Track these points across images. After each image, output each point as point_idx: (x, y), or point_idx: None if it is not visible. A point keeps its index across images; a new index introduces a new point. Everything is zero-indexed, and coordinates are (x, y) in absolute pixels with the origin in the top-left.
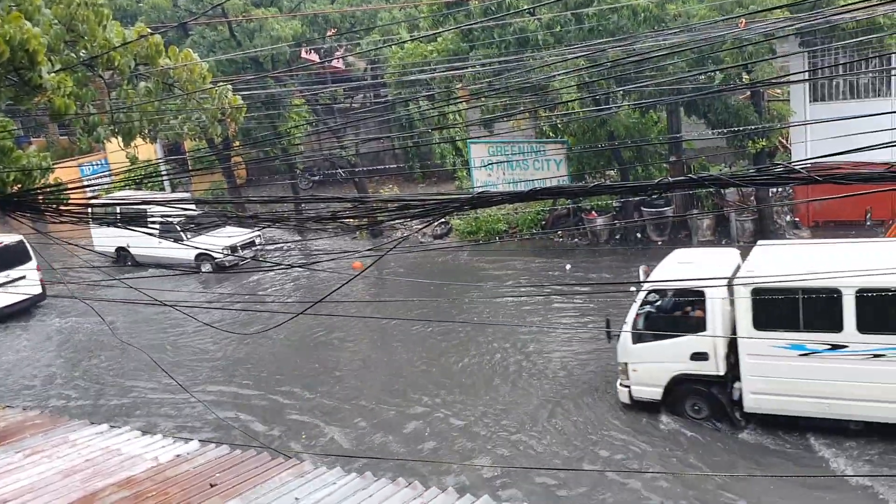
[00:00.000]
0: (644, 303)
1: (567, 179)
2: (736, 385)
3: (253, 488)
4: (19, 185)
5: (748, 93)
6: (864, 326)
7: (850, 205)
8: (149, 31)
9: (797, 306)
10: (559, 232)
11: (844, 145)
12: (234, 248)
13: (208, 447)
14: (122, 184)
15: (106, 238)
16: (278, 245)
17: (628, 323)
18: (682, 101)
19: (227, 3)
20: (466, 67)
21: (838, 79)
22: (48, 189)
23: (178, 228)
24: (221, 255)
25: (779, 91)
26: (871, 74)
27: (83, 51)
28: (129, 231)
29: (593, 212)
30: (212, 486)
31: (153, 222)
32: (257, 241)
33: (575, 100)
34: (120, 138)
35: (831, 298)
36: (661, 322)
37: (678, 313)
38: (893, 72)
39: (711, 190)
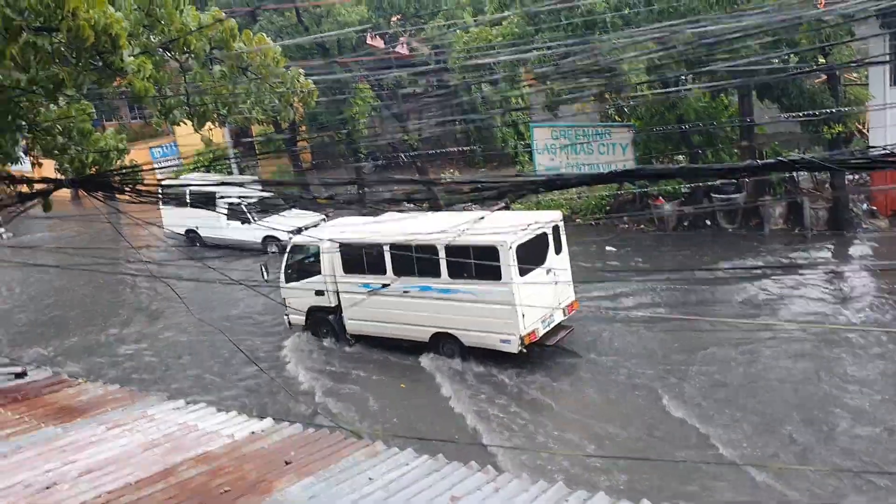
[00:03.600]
0: (290, 253)
1: (634, 163)
2: (342, 314)
3: (327, 467)
4: (97, 167)
5: (824, 76)
6: (397, 271)
7: None
8: (224, 15)
9: (361, 255)
10: (624, 218)
11: None
12: (300, 231)
13: (282, 425)
14: (192, 167)
15: (175, 219)
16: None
17: (282, 269)
18: (755, 85)
19: None
20: (531, 51)
21: None
22: (124, 170)
23: (245, 210)
24: (288, 237)
25: (856, 75)
26: None
27: (160, 35)
28: (198, 213)
29: (660, 198)
30: (287, 463)
31: (222, 205)
32: (323, 223)
33: (644, 82)
34: (195, 121)
35: (380, 252)
36: (300, 268)
37: (308, 261)
38: None
39: (784, 176)
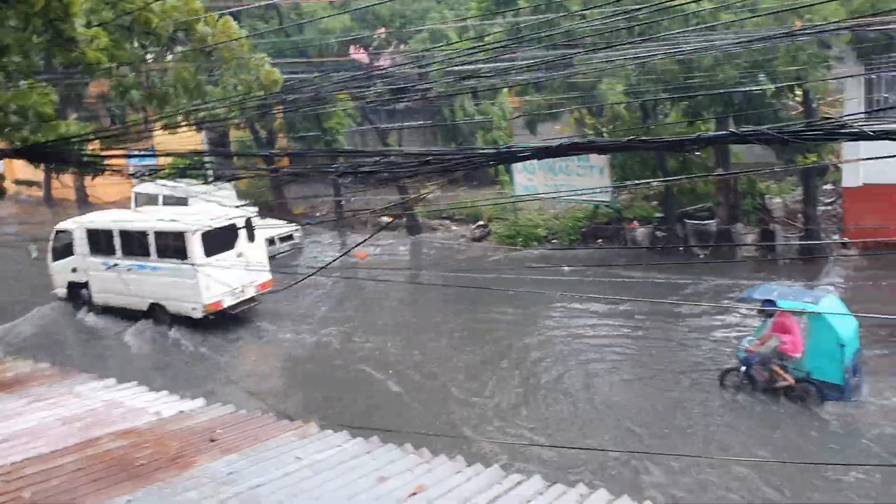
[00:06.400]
0: (54, 238)
1: (609, 187)
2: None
3: (254, 445)
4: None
5: (800, 108)
6: (125, 252)
7: None
8: None
9: (101, 239)
10: (600, 241)
11: None
12: (271, 241)
13: (213, 405)
14: (167, 173)
15: None
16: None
17: (49, 251)
18: (732, 113)
19: None
20: (511, 63)
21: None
22: (59, 140)
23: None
24: None
25: (831, 107)
26: None
27: (122, 13)
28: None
29: (634, 221)
30: (212, 440)
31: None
32: (296, 235)
33: (619, 102)
34: (154, 103)
35: (110, 235)
36: (61, 250)
37: (67, 244)
38: None
39: (758, 205)
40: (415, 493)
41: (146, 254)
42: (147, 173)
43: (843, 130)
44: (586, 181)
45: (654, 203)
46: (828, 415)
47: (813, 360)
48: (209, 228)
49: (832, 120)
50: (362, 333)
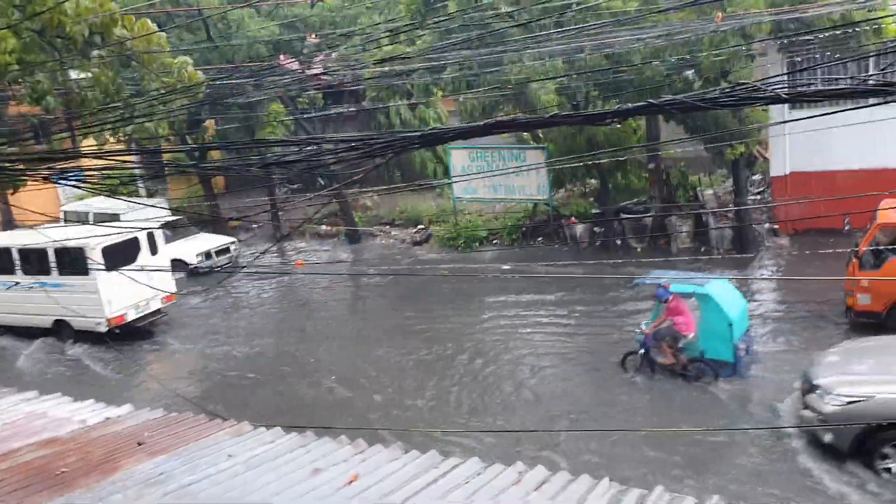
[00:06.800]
0: None
1: (548, 185)
2: None
3: (185, 446)
4: None
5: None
6: (25, 271)
7: (829, 213)
8: None
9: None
10: (540, 238)
11: (823, 152)
12: (208, 254)
13: (142, 411)
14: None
15: None
16: (255, 252)
17: None
18: (661, 108)
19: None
20: (444, 64)
21: (816, 85)
22: None
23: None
24: (196, 261)
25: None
26: (848, 79)
27: (33, 16)
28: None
29: (573, 218)
30: (139, 444)
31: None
32: (232, 248)
33: (547, 84)
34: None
35: (9, 254)
36: None
37: None
38: (873, 78)
39: (690, 198)
40: (350, 482)
41: (47, 271)
42: (67, 177)
43: (758, 95)
44: (524, 181)
45: (591, 199)
46: (721, 392)
47: (705, 340)
48: (110, 243)
49: (747, 84)
50: (298, 342)
